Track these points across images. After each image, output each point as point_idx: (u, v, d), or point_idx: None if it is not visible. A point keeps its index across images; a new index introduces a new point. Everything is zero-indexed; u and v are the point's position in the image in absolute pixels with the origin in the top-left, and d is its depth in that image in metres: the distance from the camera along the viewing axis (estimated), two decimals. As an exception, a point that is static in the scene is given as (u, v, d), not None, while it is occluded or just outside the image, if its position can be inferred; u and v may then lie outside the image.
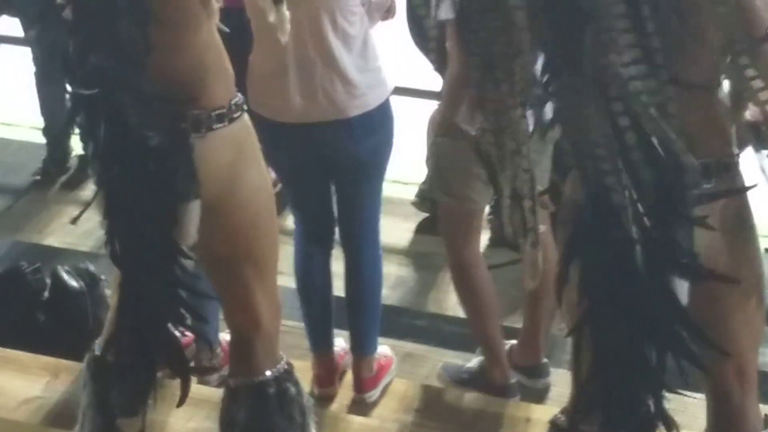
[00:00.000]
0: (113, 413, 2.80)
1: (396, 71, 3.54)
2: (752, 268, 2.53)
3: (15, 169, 5.65)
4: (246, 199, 2.66)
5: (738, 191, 2.44)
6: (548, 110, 2.31)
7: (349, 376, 3.77)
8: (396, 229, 4.80)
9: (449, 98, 3.38)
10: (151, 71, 2.44)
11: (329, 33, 3.32)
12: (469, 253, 3.62)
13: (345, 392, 3.75)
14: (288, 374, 2.81)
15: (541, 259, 2.46)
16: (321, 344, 3.73)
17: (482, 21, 2.29)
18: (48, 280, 4.04)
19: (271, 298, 2.78)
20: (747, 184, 2.46)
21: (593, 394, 2.22)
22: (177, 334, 2.70)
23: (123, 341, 2.68)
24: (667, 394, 2.29)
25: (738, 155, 2.51)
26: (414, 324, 4.36)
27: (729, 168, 2.41)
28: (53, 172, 5.50)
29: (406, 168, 4.95)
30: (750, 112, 3.24)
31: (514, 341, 3.89)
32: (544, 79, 2.22)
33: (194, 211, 2.56)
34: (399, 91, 3.86)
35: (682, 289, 2.22)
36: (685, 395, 2.42)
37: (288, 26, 2.55)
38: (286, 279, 3.59)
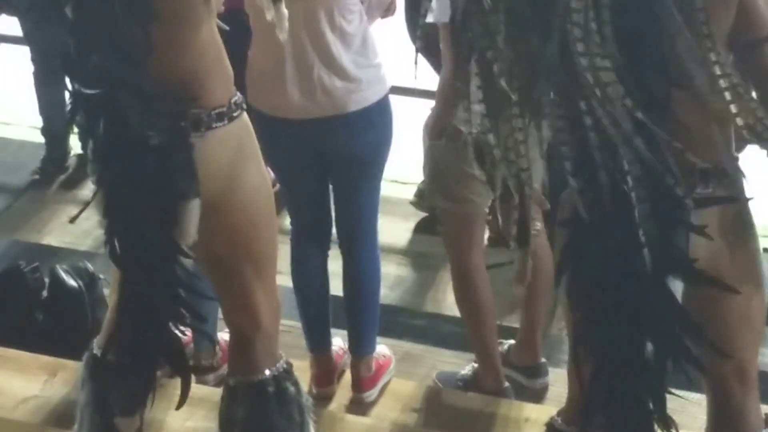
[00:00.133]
0: (112, 412, 2.79)
1: (396, 71, 3.54)
2: (752, 269, 2.53)
3: (14, 168, 5.66)
4: (246, 199, 2.66)
5: (737, 199, 2.43)
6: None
7: (347, 376, 3.77)
8: (394, 228, 4.81)
9: (443, 101, 3.39)
10: (151, 70, 2.44)
11: (327, 31, 3.33)
12: (472, 259, 3.61)
13: (343, 392, 3.75)
14: (287, 373, 2.81)
15: (531, 261, 2.46)
16: (319, 345, 3.73)
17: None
18: (46, 280, 4.04)
19: (270, 298, 2.78)
20: (747, 184, 2.46)
21: (594, 398, 2.21)
22: (178, 333, 2.69)
23: (123, 341, 2.68)
24: (666, 395, 2.29)
25: (737, 158, 2.51)
26: (412, 324, 4.36)
27: (728, 172, 2.40)
28: (52, 172, 5.50)
29: (404, 167, 4.95)
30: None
31: (512, 341, 3.89)
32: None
33: (194, 210, 2.56)
34: (399, 90, 3.87)
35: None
36: (685, 395, 2.42)
37: (286, 24, 2.56)
38: (286, 278, 3.59)
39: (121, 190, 2.54)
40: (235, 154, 2.62)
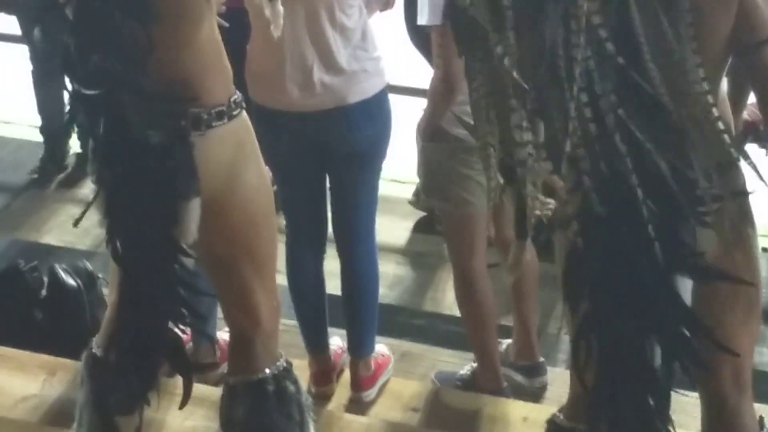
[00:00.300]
0: (111, 411, 2.79)
1: (394, 70, 3.55)
2: (750, 268, 2.53)
3: (13, 167, 5.67)
4: (246, 197, 2.66)
5: (739, 194, 2.43)
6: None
7: (346, 375, 3.78)
8: (393, 227, 4.81)
9: (434, 102, 3.39)
10: (151, 69, 2.44)
11: (327, 28, 3.33)
12: (476, 264, 3.60)
13: (342, 391, 3.75)
14: (287, 372, 2.81)
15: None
16: (316, 345, 3.73)
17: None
18: (45, 279, 4.04)
19: (270, 297, 2.78)
20: (747, 183, 2.46)
21: (600, 396, 2.20)
22: (179, 333, 2.70)
23: (123, 339, 2.68)
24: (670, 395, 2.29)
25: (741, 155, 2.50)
26: (411, 323, 4.37)
27: (729, 168, 2.40)
28: (51, 171, 5.51)
29: (403, 167, 4.96)
30: (747, 112, 3.26)
31: (511, 340, 3.90)
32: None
33: (194, 209, 2.55)
34: (398, 89, 3.87)
35: (686, 290, 2.21)
36: (684, 395, 2.42)
37: (281, 22, 2.56)
38: (285, 278, 3.60)
39: (122, 189, 2.54)
40: (235, 153, 2.62)
